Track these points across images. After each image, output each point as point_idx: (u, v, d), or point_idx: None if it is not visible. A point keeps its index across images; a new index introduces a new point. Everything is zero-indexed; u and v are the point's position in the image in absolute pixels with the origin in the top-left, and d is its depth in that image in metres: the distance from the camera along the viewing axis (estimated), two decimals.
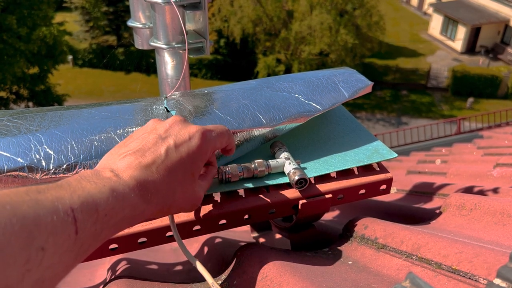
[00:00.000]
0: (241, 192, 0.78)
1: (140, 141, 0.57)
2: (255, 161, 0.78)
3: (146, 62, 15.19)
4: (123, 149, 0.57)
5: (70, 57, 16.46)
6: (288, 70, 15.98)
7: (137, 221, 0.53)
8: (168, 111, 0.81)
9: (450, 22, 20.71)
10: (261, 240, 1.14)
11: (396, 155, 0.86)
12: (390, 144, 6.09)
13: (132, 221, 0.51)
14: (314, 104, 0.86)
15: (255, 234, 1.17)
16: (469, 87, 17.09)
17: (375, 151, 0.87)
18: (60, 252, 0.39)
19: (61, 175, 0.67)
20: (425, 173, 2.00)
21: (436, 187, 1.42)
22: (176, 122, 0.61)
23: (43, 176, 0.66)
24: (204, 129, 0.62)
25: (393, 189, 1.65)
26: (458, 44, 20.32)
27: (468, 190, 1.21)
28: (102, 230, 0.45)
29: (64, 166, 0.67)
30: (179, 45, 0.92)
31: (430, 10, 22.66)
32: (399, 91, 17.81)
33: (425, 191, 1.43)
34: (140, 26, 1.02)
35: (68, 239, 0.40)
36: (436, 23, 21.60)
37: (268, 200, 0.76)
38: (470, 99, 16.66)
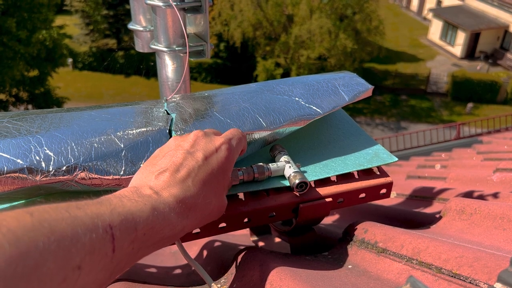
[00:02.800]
0: (241, 195, 0.78)
1: (169, 158, 0.57)
2: (255, 164, 0.78)
3: (146, 65, 15.22)
4: (155, 167, 0.56)
5: (70, 60, 16.46)
6: (287, 74, 16.00)
7: (175, 239, 0.53)
8: (168, 113, 0.81)
9: (449, 28, 20.78)
10: (261, 244, 1.14)
11: (397, 159, 0.86)
12: (390, 149, 6.09)
13: (172, 239, 0.51)
14: (314, 108, 0.86)
15: (255, 238, 1.17)
16: (468, 92, 17.13)
17: (375, 155, 0.87)
18: (96, 271, 0.38)
19: (60, 177, 0.67)
20: (425, 177, 2.00)
21: (436, 191, 1.42)
22: (200, 137, 0.62)
23: (42, 177, 0.66)
24: (228, 139, 0.63)
25: (393, 194, 1.65)
26: (457, 49, 20.38)
27: (468, 195, 1.21)
28: (139, 249, 0.44)
29: (64, 168, 0.67)
30: (179, 48, 0.92)
31: (429, 15, 22.73)
32: (398, 96, 17.84)
33: (425, 196, 1.43)
34: (141, 29, 1.02)
35: (105, 257, 0.39)
36: (435, 28, 21.67)
37: (268, 204, 0.76)
38: (470, 104, 16.69)
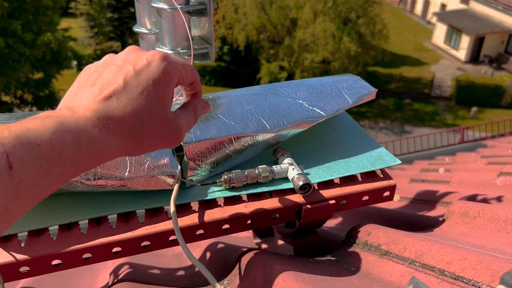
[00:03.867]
0: (245, 197, 0.78)
1: (96, 75, 0.53)
2: (259, 166, 0.78)
3: None
4: (80, 87, 0.52)
5: (74, 62, 16.54)
6: (290, 77, 16.00)
7: (103, 155, 0.48)
8: None
9: (454, 32, 20.75)
10: (264, 246, 1.14)
11: (400, 161, 0.86)
12: (394, 153, 6.07)
13: (96, 156, 0.47)
14: (318, 110, 0.86)
15: (258, 240, 1.17)
16: (472, 97, 17.07)
17: (378, 158, 0.87)
18: None
19: None
20: (428, 181, 2.00)
21: (439, 195, 1.41)
22: (133, 50, 0.57)
23: None
24: (163, 52, 0.57)
25: (396, 197, 1.65)
26: (462, 53, 20.34)
27: (472, 198, 1.20)
28: (52, 165, 0.42)
29: None
30: (184, 51, 0.93)
31: (434, 19, 22.71)
32: (402, 100, 17.81)
33: (429, 199, 1.43)
34: (146, 31, 1.03)
35: (1, 174, 0.38)
36: (440, 32, 21.65)
37: (272, 206, 0.76)
38: (474, 109, 16.63)
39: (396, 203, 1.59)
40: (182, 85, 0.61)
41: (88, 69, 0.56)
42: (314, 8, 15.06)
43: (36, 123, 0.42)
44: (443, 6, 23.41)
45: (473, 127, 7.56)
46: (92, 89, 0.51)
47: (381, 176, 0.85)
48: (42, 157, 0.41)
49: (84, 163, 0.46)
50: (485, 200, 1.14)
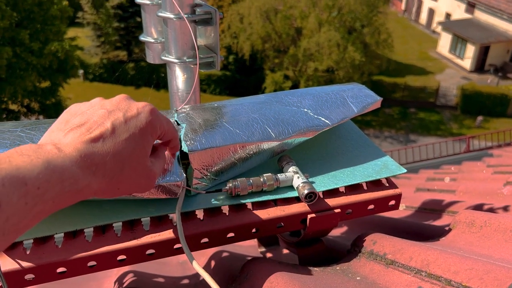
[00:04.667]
0: (250, 205, 0.78)
1: (86, 116, 0.54)
2: (264, 175, 0.78)
3: (156, 77, 15.35)
4: (67, 125, 0.54)
5: (81, 71, 16.69)
6: (295, 87, 16.04)
7: (83, 195, 0.50)
8: (178, 124, 0.81)
9: (459, 41, 20.74)
10: (269, 255, 1.13)
11: (405, 170, 0.85)
12: (399, 161, 6.05)
13: (77, 195, 0.49)
14: (323, 119, 0.87)
15: (263, 249, 1.17)
16: (478, 106, 17.01)
17: (384, 166, 0.87)
18: None
19: None
20: (434, 190, 1.99)
21: (445, 204, 1.40)
22: (124, 98, 0.59)
23: None
24: (152, 106, 0.60)
25: (401, 206, 1.64)
26: (467, 62, 20.31)
27: (478, 207, 1.19)
28: (36, 204, 0.43)
29: None
30: (190, 60, 0.94)
31: (438, 29, 22.73)
32: (407, 109, 17.78)
33: (434, 208, 1.42)
34: (152, 40, 1.04)
35: None
36: (445, 41, 21.65)
37: (276, 214, 0.76)
38: (480, 118, 16.56)
39: (401, 212, 1.58)
40: (162, 139, 0.64)
41: (75, 108, 0.58)
42: (319, 17, 15.12)
43: (25, 161, 0.44)
44: (448, 15, 23.43)
45: (479, 136, 7.52)
46: (80, 129, 0.52)
47: (387, 185, 0.85)
48: (28, 196, 0.43)
49: (64, 201, 0.47)
50: (491, 210, 1.13)
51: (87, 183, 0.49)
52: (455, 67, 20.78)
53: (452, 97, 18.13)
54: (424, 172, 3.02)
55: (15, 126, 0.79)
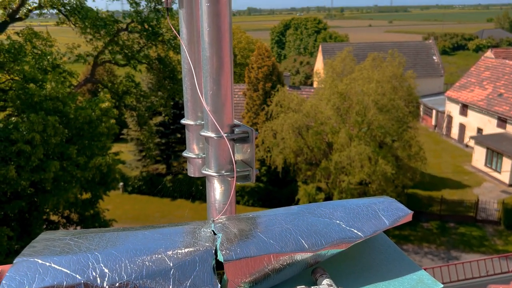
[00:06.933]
0: None
1: None
2: (298, 287, 0.78)
3: (193, 190, 15.72)
4: None
5: (121, 184, 17.39)
6: (328, 198, 15.95)
7: None
8: (215, 234, 0.85)
9: (494, 154, 20.57)
10: None
11: (442, 285, 0.83)
12: (442, 280, 5.65)
13: None
14: (355, 231, 0.88)
15: None
16: None
17: (419, 281, 0.85)
18: None
19: None
20: None
21: None
22: None
23: None
24: None
25: None
26: (505, 176, 19.85)
27: None
28: None
29: (117, 284, 0.71)
30: (228, 173, 1.01)
31: (471, 143, 22.79)
32: (446, 223, 17.07)
33: None
34: (194, 156, 1.13)
35: None
36: (479, 155, 21.52)
37: None
38: None
39: None
40: None
41: None
42: (349, 132, 15.61)
43: None
44: (479, 130, 23.64)
45: None
46: None
47: None
48: None
49: None
50: None
51: None
52: (492, 181, 20.29)
53: (494, 212, 17.37)
54: None
55: (64, 235, 0.85)
